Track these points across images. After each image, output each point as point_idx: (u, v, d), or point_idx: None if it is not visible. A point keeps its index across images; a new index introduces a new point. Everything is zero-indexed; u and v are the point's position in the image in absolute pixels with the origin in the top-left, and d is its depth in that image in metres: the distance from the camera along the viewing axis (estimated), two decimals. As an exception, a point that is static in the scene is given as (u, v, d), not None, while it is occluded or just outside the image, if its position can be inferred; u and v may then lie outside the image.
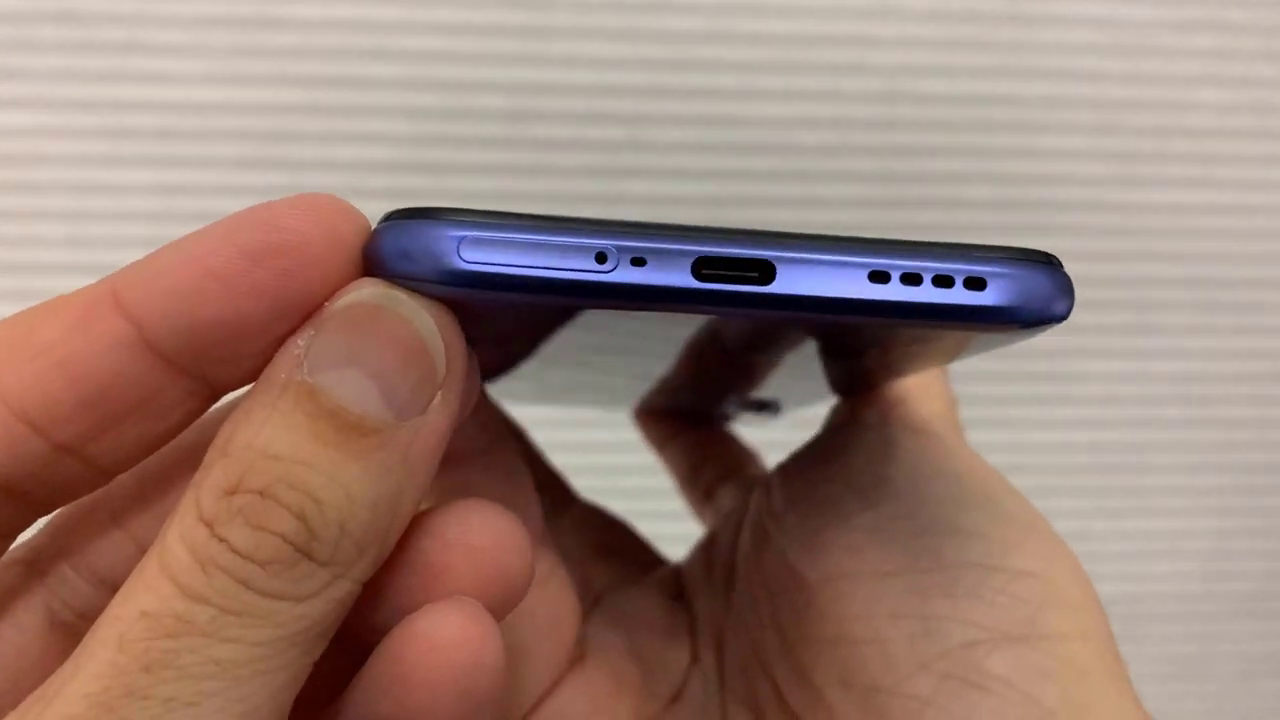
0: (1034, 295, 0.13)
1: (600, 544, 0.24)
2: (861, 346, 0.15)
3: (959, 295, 0.12)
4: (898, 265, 0.12)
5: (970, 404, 0.49)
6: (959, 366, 0.53)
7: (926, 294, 0.12)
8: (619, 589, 0.22)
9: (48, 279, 0.46)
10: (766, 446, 0.27)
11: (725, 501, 0.26)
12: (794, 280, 0.12)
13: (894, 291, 0.12)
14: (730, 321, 0.13)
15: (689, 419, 0.29)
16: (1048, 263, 0.13)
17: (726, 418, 0.29)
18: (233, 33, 0.44)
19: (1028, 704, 0.14)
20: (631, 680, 0.19)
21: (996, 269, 0.12)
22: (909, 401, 0.19)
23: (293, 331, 0.12)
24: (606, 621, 0.21)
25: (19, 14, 0.44)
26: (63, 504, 0.13)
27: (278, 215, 0.12)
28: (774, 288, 0.12)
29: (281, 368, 0.11)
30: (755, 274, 0.12)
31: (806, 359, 0.16)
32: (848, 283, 0.12)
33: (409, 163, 0.46)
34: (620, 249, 0.12)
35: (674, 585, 0.23)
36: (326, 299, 0.12)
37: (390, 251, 0.12)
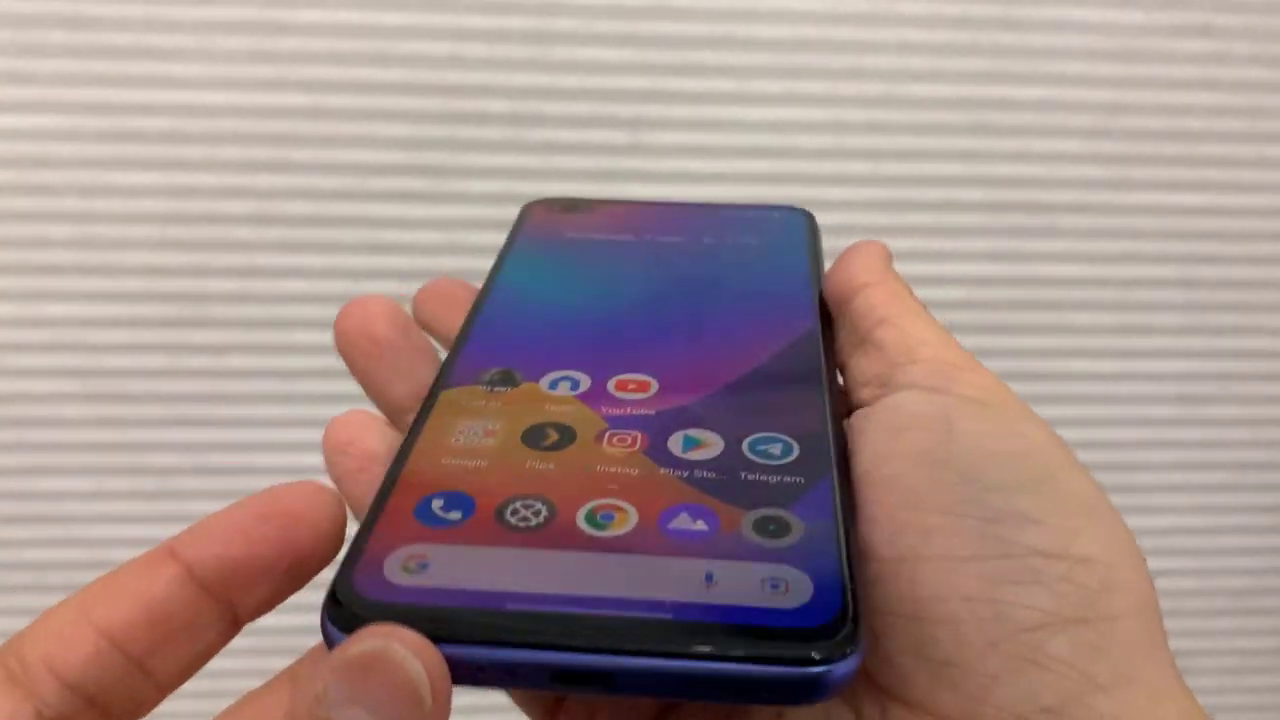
0: (834, 683, 0.14)
1: None
2: None
3: (760, 689, 0.14)
4: (715, 675, 0.14)
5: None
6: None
7: (722, 694, 0.14)
8: None
9: (56, 280, 0.46)
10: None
11: None
12: (629, 684, 0.14)
13: (713, 692, 0.14)
14: None
15: None
16: (842, 656, 0.14)
17: None
18: (239, 37, 0.45)
19: (1084, 680, 0.16)
20: None
21: (787, 674, 0.14)
22: (962, 368, 0.20)
23: (289, 570, 0.17)
24: None
25: (28, 18, 0.44)
26: (131, 718, 0.17)
27: (281, 494, 0.17)
28: (615, 689, 0.14)
29: (303, 703, 0.14)
30: (600, 683, 0.14)
31: None
32: (668, 685, 0.14)
33: (412, 165, 0.47)
34: (492, 665, 0.14)
35: None
36: (310, 547, 0.17)
37: (332, 644, 0.15)
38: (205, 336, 0.48)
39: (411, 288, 0.48)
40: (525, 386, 0.20)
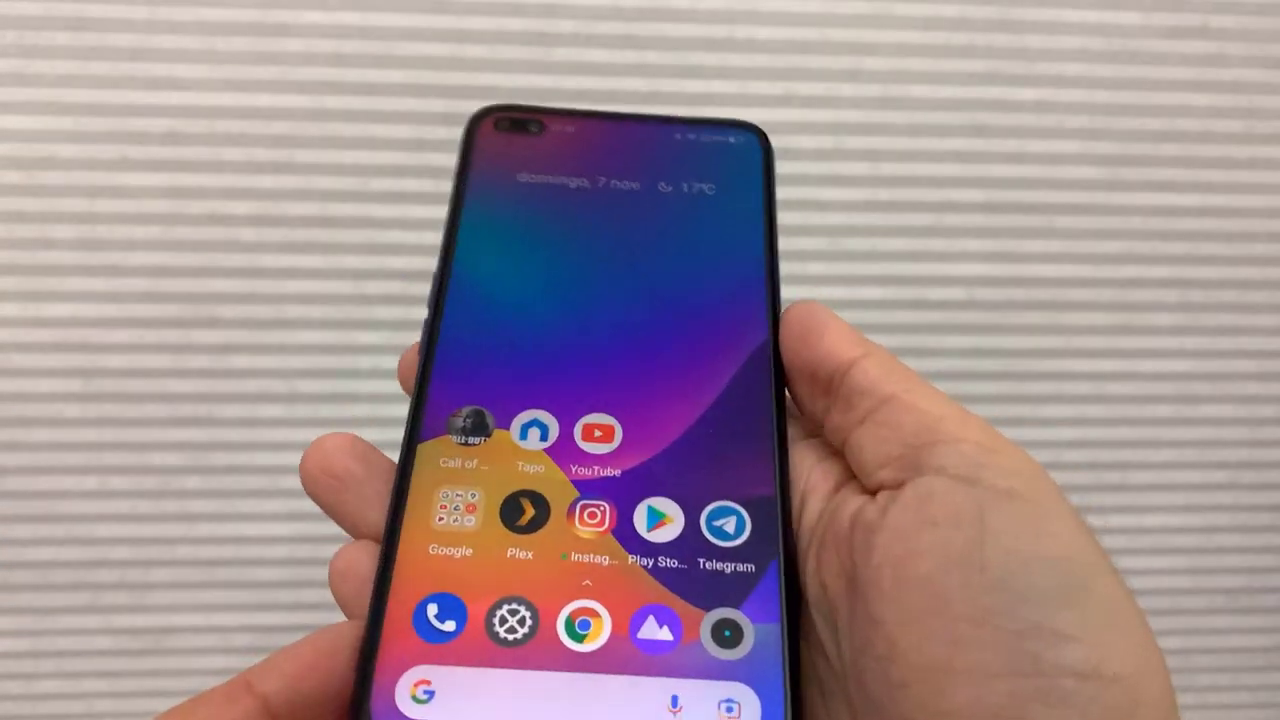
0: None
1: None
2: None
3: None
4: None
5: (965, 403, 0.50)
6: (953, 366, 0.54)
7: None
8: None
9: (59, 281, 0.47)
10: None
11: None
12: None
13: None
14: None
15: None
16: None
17: None
18: (241, 38, 0.45)
19: None
20: None
21: None
22: (992, 449, 0.19)
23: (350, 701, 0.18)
24: None
25: (32, 19, 0.44)
26: None
27: (346, 630, 0.18)
28: None
29: None
30: None
31: None
32: None
33: (414, 167, 0.47)
34: None
35: None
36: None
37: None
38: (208, 337, 0.48)
39: (414, 288, 0.48)
40: (497, 436, 0.21)
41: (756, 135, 0.26)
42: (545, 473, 0.20)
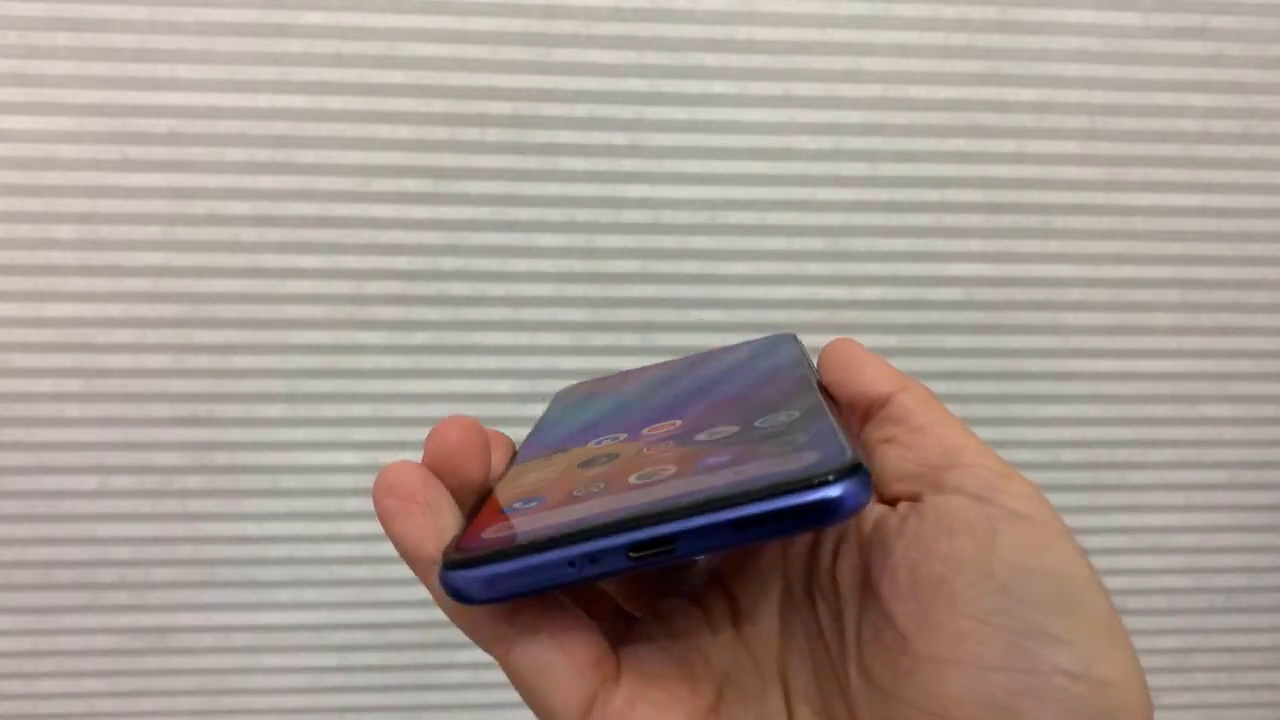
0: (850, 503, 0.18)
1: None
2: None
3: (805, 520, 0.18)
4: (754, 514, 0.18)
5: (965, 403, 0.50)
6: (953, 366, 0.54)
7: (777, 528, 0.18)
8: (654, 598, 0.25)
9: (61, 280, 0.47)
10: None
11: None
12: (689, 544, 0.18)
13: (754, 532, 0.18)
14: None
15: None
16: (856, 471, 0.18)
17: None
18: (242, 39, 0.45)
19: None
20: (675, 682, 0.22)
21: (823, 491, 0.18)
22: (1006, 476, 0.21)
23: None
24: (643, 634, 0.24)
25: (34, 21, 0.44)
26: None
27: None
28: (678, 552, 0.18)
29: None
30: (668, 546, 0.18)
31: None
32: (722, 536, 0.18)
33: (414, 167, 0.47)
34: (581, 557, 0.18)
35: (706, 579, 0.26)
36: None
37: (451, 589, 0.19)
38: (209, 336, 0.48)
39: (414, 287, 0.48)
40: (577, 449, 0.25)
41: (790, 335, 0.30)
42: (618, 445, 0.24)
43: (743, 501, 0.18)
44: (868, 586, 0.21)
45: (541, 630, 0.20)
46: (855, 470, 0.18)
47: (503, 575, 0.19)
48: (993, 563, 0.19)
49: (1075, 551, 0.20)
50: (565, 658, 0.20)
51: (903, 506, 0.21)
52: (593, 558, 0.18)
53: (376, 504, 0.21)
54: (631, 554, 0.18)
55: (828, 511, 0.18)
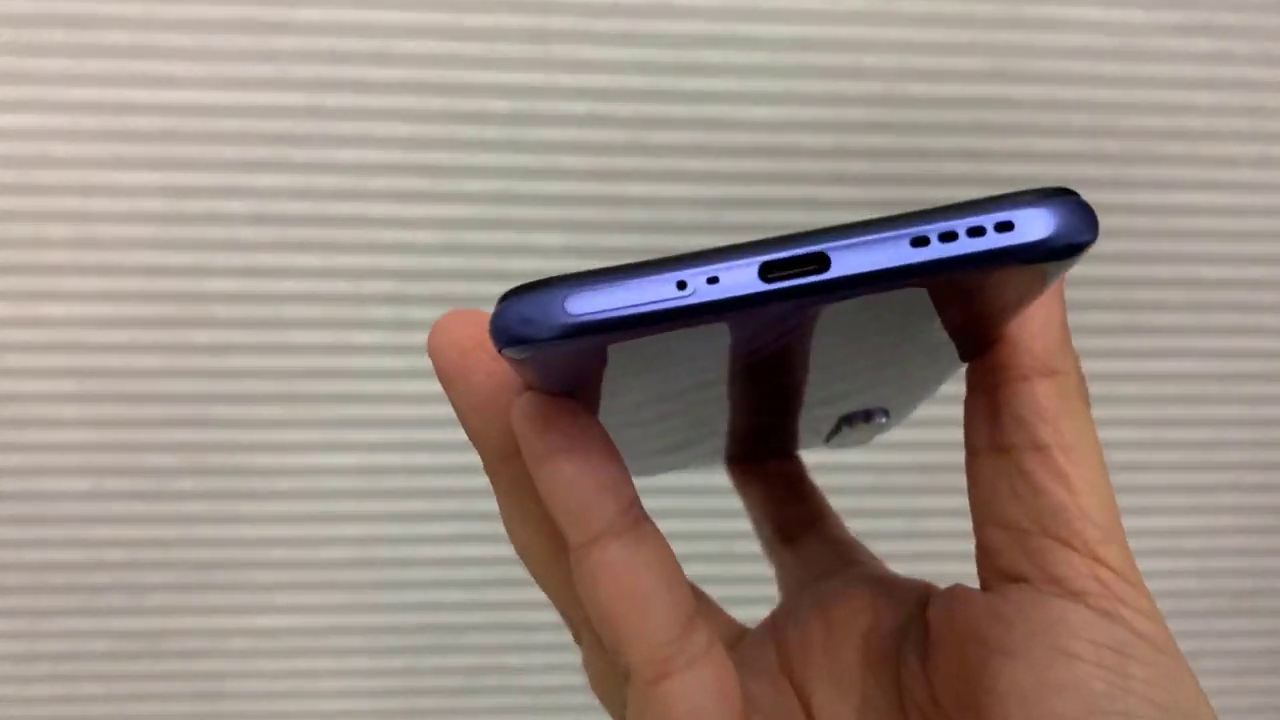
0: (1059, 227, 0.14)
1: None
2: (933, 314, 0.17)
3: (993, 240, 0.14)
4: (933, 228, 0.14)
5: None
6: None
7: (964, 246, 0.14)
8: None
9: (54, 280, 0.46)
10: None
11: (811, 550, 0.26)
12: (848, 262, 0.14)
13: (936, 250, 0.14)
14: (801, 327, 0.15)
15: (776, 457, 0.28)
16: (1067, 195, 0.14)
17: (828, 443, 0.28)
18: (237, 36, 0.45)
19: None
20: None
21: (1020, 211, 0.14)
22: (1127, 579, 0.18)
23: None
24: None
25: (27, 17, 0.44)
26: None
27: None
28: (831, 273, 0.14)
29: None
30: (813, 265, 0.14)
31: (894, 345, 0.18)
32: (894, 253, 0.14)
33: (411, 165, 0.46)
34: (695, 274, 0.14)
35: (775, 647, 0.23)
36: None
37: (511, 321, 0.14)
38: (204, 336, 0.47)
39: (411, 287, 0.48)
40: None
41: None
42: None
43: (923, 218, 0.14)
44: (969, 709, 0.18)
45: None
46: (1069, 197, 0.14)
47: (588, 294, 0.14)
48: (1129, 702, 0.16)
49: (1197, 685, 0.18)
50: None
51: (1003, 603, 0.18)
52: (711, 276, 0.14)
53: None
54: (766, 275, 0.14)
55: (1039, 241, 0.14)
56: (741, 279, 0.14)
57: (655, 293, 0.14)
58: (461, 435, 0.19)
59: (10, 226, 0.46)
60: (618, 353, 0.15)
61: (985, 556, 0.19)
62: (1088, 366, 0.50)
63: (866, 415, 0.25)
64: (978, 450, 0.19)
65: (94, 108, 0.45)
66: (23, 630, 0.50)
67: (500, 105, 0.46)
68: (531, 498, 0.18)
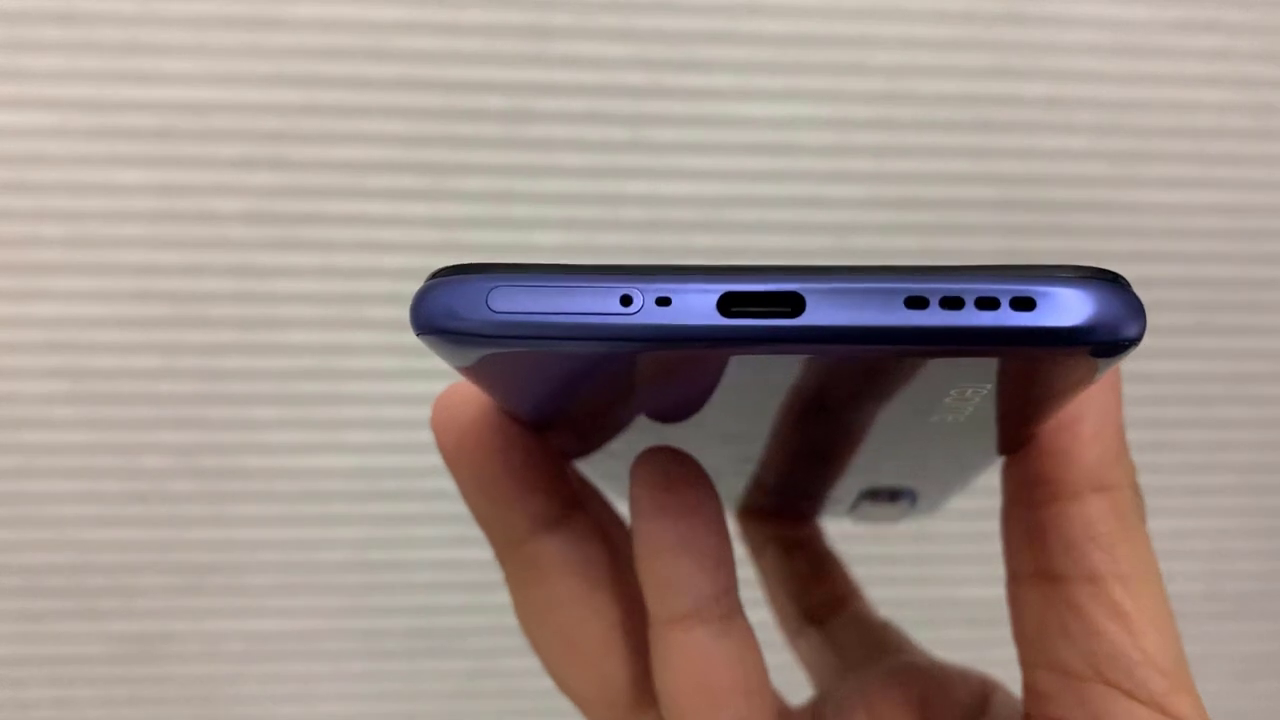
0: (1096, 315, 0.11)
1: None
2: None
3: (1006, 317, 0.11)
4: (937, 289, 0.11)
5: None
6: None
7: (968, 318, 0.11)
8: None
9: (46, 279, 0.46)
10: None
11: (845, 633, 0.24)
12: (825, 311, 0.11)
13: (934, 317, 0.11)
14: (831, 385, 0.13)
15: (797, 522, 0.26)
16: (1112, 280, 0.12)
17: (850, 514, 0.25)
18: (232, 33, 0.44)
19: None
20: None
21: (1050, 287, 0.11)
22: None
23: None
24: None
25: (19, 13, 0.44)
26: None
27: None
28: (804, 319, 0.11)
29: None
30: (785, 307, 0.11)
31: (906, 421, 0.16)
32: (883, 310, 0.11)
33: (408, 163, 0.46)
34: (645, 290, 0.12)
35: None
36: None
37: (432, 310, 0.12)
38: (199, 336, 0.47)
39: (409, 286, 0.48)
40: None
41: None
42: None
43: (927, 275, 0.11)
44: None
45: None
46: (1112, 282, 0.11)
47: (518, 291, 0.12)
48: None
49: None
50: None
51: None
52: (663, 296, 0.11)
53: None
54: (727, 309, 0.11)
55: (1062, 329, 0.11)
56: (697, 307, 0.11)
57: (594, 303, 0.12)
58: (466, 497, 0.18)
59: (3, 225, 0.45)
60: (554, 361, 0.13)
61: (1035, 701, 0.17)
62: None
63: (891, 495, 0.22)
64: (1020, 576, 0.17)
65: (87, 105, 0.45)
66: (16, 634, 0.50)
67: (498, 102, 0.46)
68: (546, 585, 0.17)
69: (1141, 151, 0.49)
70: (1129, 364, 0.53)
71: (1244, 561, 0.54)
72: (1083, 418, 0.17)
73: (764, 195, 0.48)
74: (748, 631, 0.16)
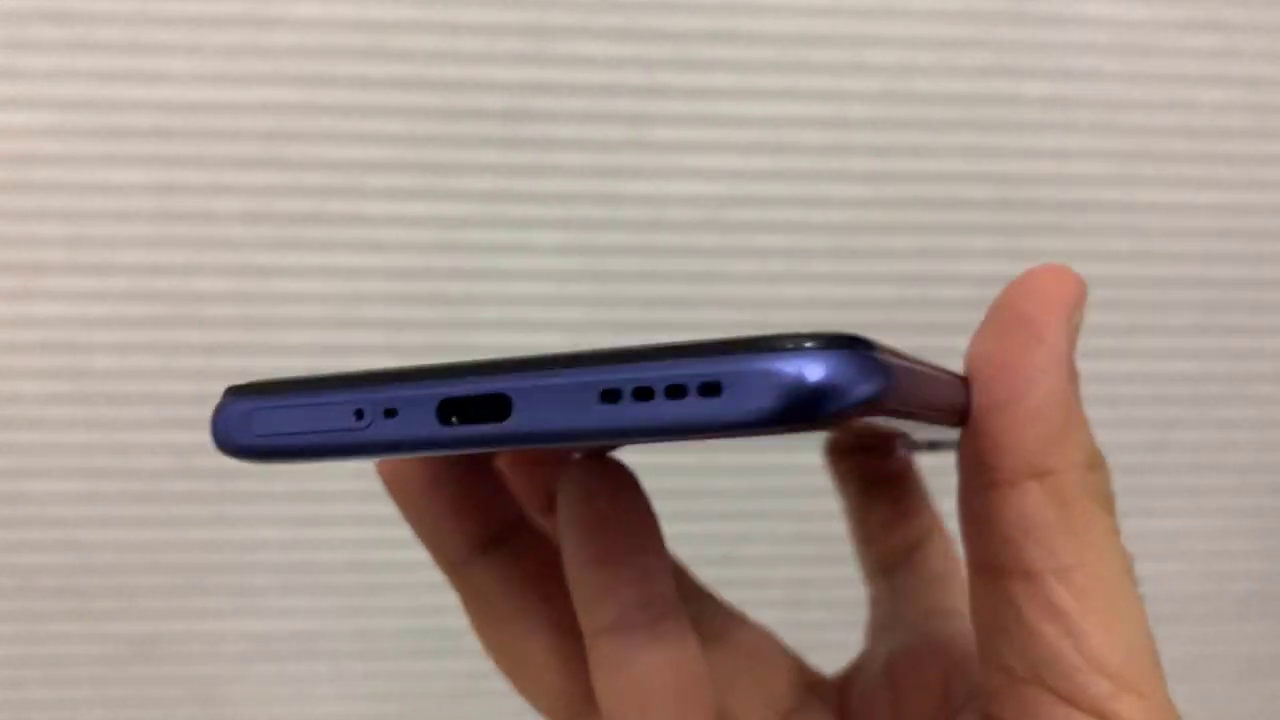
0: (788, 395, 0.10)
1: (741, 664, 0.21)
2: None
3: (694, 407, 0.11)
4: (629, 379, 0.11)
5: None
6: (958, 368, 0.53)
7: (658, 411, 0.11)
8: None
9: (45, 279, 0.46)
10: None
11: (907, 586, 0.23)
12: (529, 414, 0.12)
13: (625, 412, 0.11)
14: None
15: (881, 454, 0.25)
16: (823, 349, 0.11)
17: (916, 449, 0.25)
18: (231, 32, 0.44)
19: None
20: None
21: (735, 368, 0.11)
22: None
23: None
24: None
25: (18, 13, 0.44)
26: None
27: None
28: (510, 425, 0.12)
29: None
30: (495, 410, 0.12)
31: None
32: (579, 409, 0.11)
33: (407, 162, 0.46)
34: (373, 404, 0.12)
35: (837, 715, 0.21)
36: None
37: (217, 434, 0.14)
38: (197, 336, 0.47)
39: (406, 286, 0.48)
40: None
41: None
42: None
43: (622, 361, 0.11)
44: None
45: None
46: (816, 352, 0.10)
47: (272, 414, 0.13)
48: None
49: None
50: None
51: None
52: (389, 408, 0.12)
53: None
54: (445, 416, 0.12)
55: (750, 416, 0.10)
56: (418, 418, 0.12)
57: (334, 420, 0.13)
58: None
59: (2, 225, 0.45)
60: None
61: (986, 698, 0.16)
62: (1094, 367, 0.49)
63: (931, 444, 0.22)
64: (970, 564, 0.16)
65: (86, 105, 0.45)
66: (15, 634, 0.49)
67: (497, 101, 0.46)
68: (486, 603, 0.19)
69: (1141, 151, 0.49)
70: (1128, 363, 0.52)
71: (1244, 561, 0.54)
72: (1019, 395, 0.15)
73: (764, 195, 0.47)
74: (680, 632, 0.16)
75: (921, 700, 0.19)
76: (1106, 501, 0.15)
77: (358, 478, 0.49)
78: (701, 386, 0.11)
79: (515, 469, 0.20)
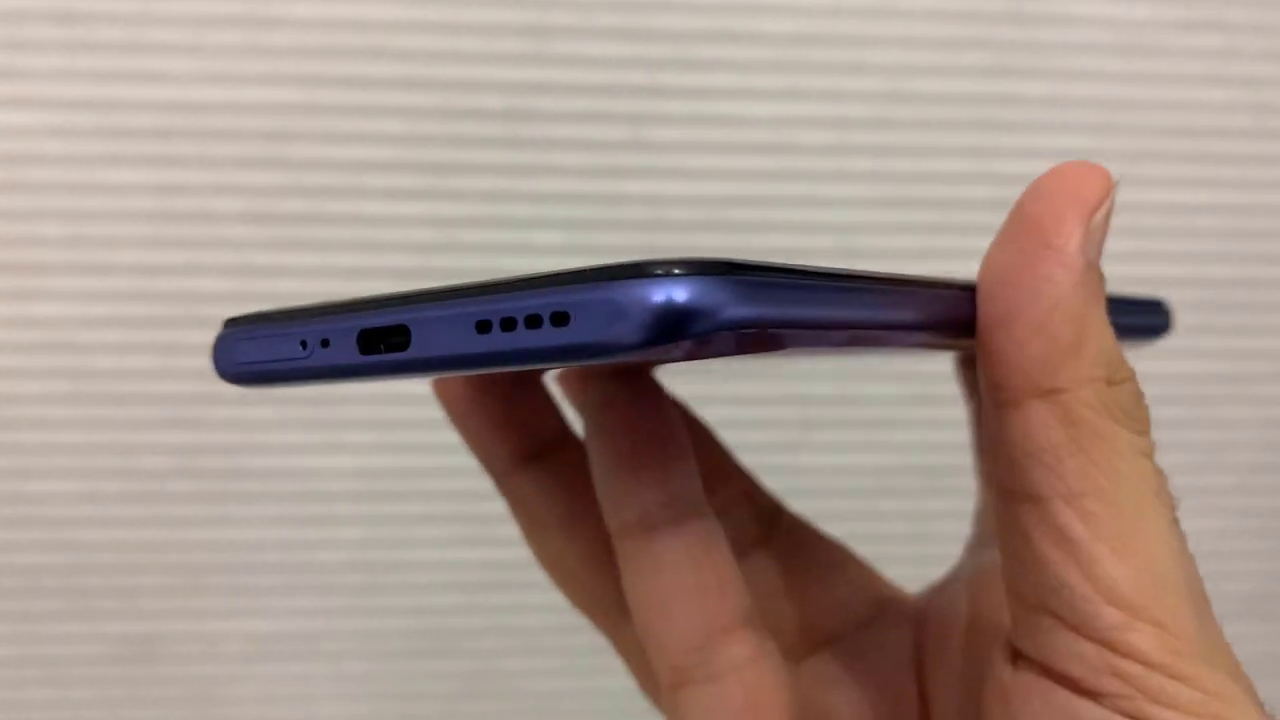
0: (624, 322, 0.11)
1: (813, 575, 0.21)
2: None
3: (546, 336, 0.11)
4: (497, 309, 0.12)
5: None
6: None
7: (519, 339, 0.12)
8: (845, 637, 0.20)
9: (45, 279, 0.46)
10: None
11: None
12: (424, 341, 0.13)
13: (496, 341, 0.12)
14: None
15: None
16: (657, 275, 0.11)
17: None
18: (231, 32, 0.44)
19: None
20: None
21: (580, 298, 0.11)
22: (1140, 680, 0.13)
23: None
24: (826, 681, 0.19)
25: (18, 13, 0.43)
26: None
27: None
28: (411, 352, 0.13)
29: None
30: (400, 338, 0.13)
31: None
32: (460, 337, 0.12)
33: (408, 162, 0.46)
34: (311, 335, 0.14)
35: (914, 629, 0.21)
36: None
37: (215, 362, 0.16)
38: (197, 336, 0.47)
39: (407, 286, 0.47)
40: None
41: None
42: None
43: (495, 293, 0.12)
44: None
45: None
46: (658, 278, 0.10)
47: (245, 341, 0.15)
48: None
49: None
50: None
51: (1018, 688, 0.14)
52: (324, 339, 0.14)
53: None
54: (364, 345, 0.13)
55: (593, 344, 0.10)
56: (344, 346, 0.13)
57: (285, 350, 0.14)
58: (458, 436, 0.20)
59: (2, 225, 0.45)
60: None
61: (1010, 626, 0.15)
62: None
63: None
64: (991, 487, 0.16)
65: (86, 105, 0.44)
66: (14, 634, 0.49)
67: (497, 101, 0.46)
68: (530, 513, 0.19)
69: (1142, 151, 0.49)
70: (1133, 364, 0.52)
71: (1244, 561, 0.54)
72: (1023, 308, 0.14)
73: (764, 195, 0.47)
74: (704, 533, 0.16)
75: (992, 616, 0.19)
76: (1130, 418, 0.14)
77: (358, 478, 0.49)
78: (553, 316, 0.11)
79: (567, 387, 0.21)
